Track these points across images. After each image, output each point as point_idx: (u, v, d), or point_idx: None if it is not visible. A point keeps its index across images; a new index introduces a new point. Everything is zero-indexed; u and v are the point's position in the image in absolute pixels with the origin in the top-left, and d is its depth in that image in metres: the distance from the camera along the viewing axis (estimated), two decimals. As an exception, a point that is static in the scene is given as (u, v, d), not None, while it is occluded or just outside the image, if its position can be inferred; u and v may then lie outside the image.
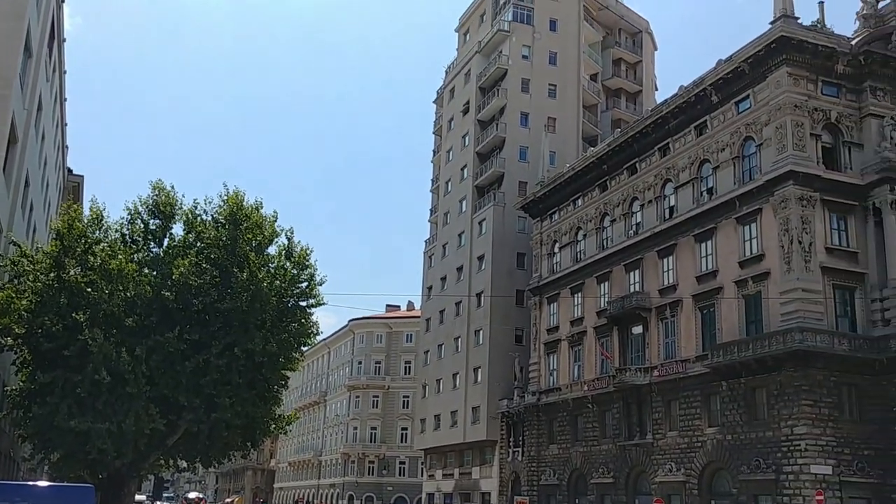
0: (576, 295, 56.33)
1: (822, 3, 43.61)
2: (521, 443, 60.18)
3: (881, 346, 37.61)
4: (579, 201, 57.58)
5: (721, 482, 41.76)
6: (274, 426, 37.73)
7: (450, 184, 77.20)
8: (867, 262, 39.65)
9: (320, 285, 35.77)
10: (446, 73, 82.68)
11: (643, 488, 47.10)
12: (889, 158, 39.55)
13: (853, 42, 41.60)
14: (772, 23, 41.38)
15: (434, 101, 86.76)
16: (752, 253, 41.44)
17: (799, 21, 41.38)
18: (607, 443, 50.51)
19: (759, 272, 40.61)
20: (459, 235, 72.69)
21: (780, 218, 39.70)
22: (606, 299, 52.22)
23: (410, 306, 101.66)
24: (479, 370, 65.96)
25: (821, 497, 34.65)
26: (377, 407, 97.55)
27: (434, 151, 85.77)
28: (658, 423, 46.32)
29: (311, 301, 35.67)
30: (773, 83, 41.24)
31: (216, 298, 32.00)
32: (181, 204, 34.52)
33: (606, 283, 53.03)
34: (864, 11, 43.17)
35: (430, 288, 77.68)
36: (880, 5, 43.26)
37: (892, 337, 37.44)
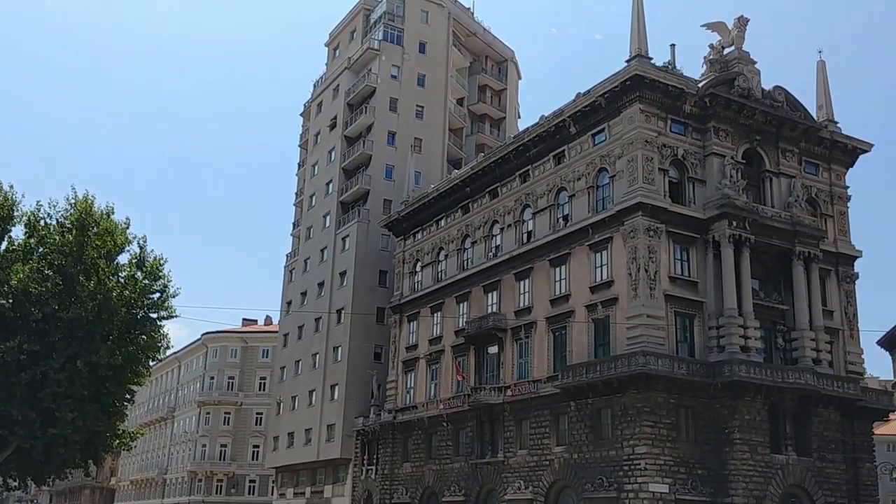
0: (436, 314, 57.00)
1: (674, 45, 46.45)
2: (375, 461, 60.04)
3: (716, 370, 40.05)
4: (442, 222, 58.45)
5: (566, 500, 43.13)
6: (117, 442, 36.25)
7: (314, 198, 76.55)
8: (706, 291, 42.24)
9: (173, 297, 34.92)
10: (314, 86, 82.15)
11: (493, 506, 47.98)
12: (728, 195, 42.38)
13: (700, 84, 44.48)
14: (628, 61, 43.64)
15: (301, 114, 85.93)
16: (602, 279, 43.31)
17: (652, 61, 43.83)
18: (460, 461, 51.20)
19: (608, 297, 42.47)
20: (322, 251, 72.10)
21: (628, 247, 41.72)
22: (465, 319, 53.14)
23: (268, 321, 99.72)
24: (337, 387, 65.43)
25: (657, 514, 36.42)
26: (228, 424, 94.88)
27: (299, 165, 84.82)
28: (509, 441, 47.40)
29: (163, 313, 34.72)
30: (626, 118, 43.43)
31: (59, 307, 30.49)
32: (21, 205, 32.74)
33: (466, 304, 53.99)
34: (711, 56, 46.31)
35: (289, 303, 76.51)
36: (726, 52, 46.49)
37: (726, 362, 39.95)
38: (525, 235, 50.02)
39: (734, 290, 41.52)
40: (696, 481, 38.92)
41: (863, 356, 46.87)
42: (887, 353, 71.99)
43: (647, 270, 40.85)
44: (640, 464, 38.42)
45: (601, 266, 43.65)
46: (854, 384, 43.66)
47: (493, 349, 50.00)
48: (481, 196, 54.42)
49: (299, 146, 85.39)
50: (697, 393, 39.99)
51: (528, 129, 51.61)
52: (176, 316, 35.36)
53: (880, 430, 60.74)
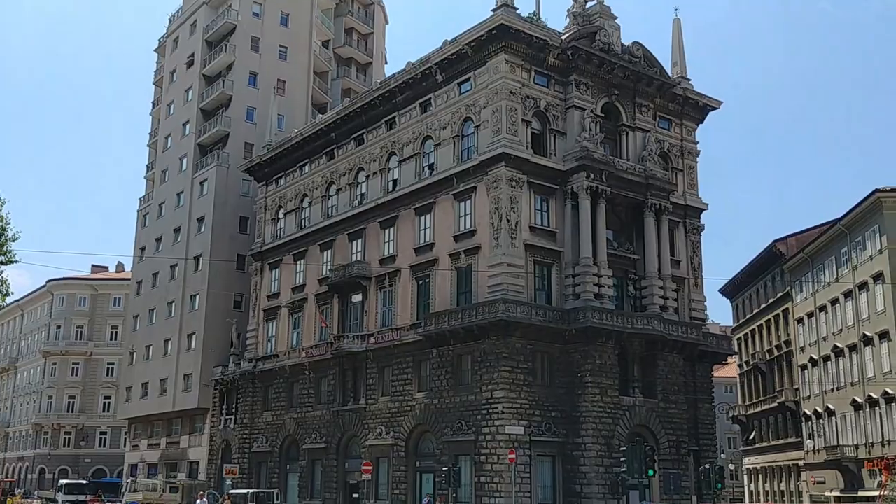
0: (298, 262, 56.13)
1: (539, -3, 46.75)
2: (234, 410, 59.14)
3: (571, 317, 41.52)
4: (306, 168, 57.26)
5: (426, 444, 44.05)
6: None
7: (170, 139, 73.19)
8: (564, 241, 43.49)
9: (13, 241, 32.81)
10: (170, 21, 77.97)
11: (354, 452, 48.38)
12: (587, 148, 43.51)
13: (563, 37, 45.12)
14: (494, 10, 43.62)
15: (155, 50, 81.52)
16: (465, 228, 43.79)
17: (518, 12, 44.03)
18: (322, 409, 51.16)
19: (471, 246, 43.03)
20: (178, 195, 69.29)
21: (491, 196, 42.26)
22: (329, 267, 52.60)
23: (120, 268, 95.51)
24: (194, 336, 63.66)
25: (513, 455, 37.75)
26: (77, 374, 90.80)
27: (153, 103, 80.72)
28: (371, 388, 47.70)
29: (1, 258, 32.50)
30: (492, 68, 43.59)
31: None
32: None
33: (329, 252, 53.41)
34: (574, 10, 46.94)
35: (143, 249, 73.35)
36: (588, 5, 47.26)
37: (580, 310, 41.45)
38: (391, 183, 49.75)
39: (590, 240, 42.87)
40: (549, 423, 40.52)
41: (706, 303, 49.77)
42: (727, 300, 77.20)
43: (508, 220, 41.57)
44: (497, 407, 39.57)
45: (465, 215, 44.08)
46: (697, 330, 46.38)
47: (357, 297, 49.87)
48: (347, 142, 53.58)
49: (154, 84, 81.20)
50: (553, 339, 41.39)
51: (394, 75, 50.96)
52: (16, 261, 33.36)
53: (719, 372, 65.26)
